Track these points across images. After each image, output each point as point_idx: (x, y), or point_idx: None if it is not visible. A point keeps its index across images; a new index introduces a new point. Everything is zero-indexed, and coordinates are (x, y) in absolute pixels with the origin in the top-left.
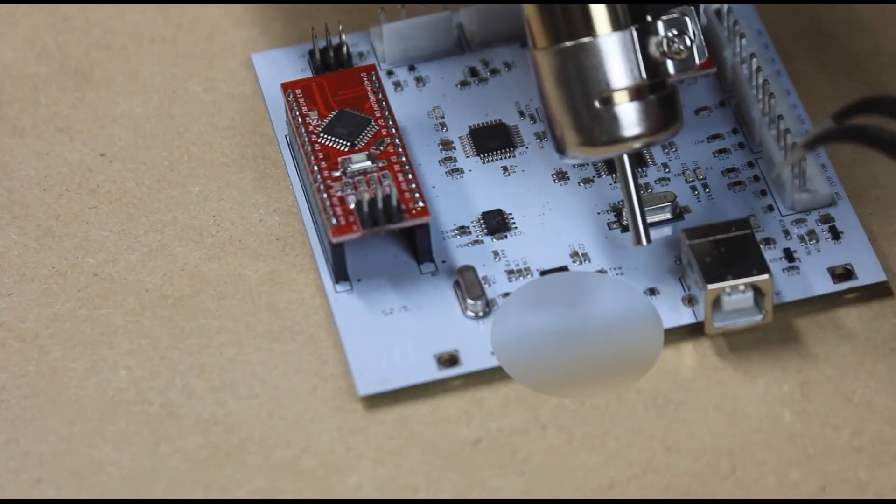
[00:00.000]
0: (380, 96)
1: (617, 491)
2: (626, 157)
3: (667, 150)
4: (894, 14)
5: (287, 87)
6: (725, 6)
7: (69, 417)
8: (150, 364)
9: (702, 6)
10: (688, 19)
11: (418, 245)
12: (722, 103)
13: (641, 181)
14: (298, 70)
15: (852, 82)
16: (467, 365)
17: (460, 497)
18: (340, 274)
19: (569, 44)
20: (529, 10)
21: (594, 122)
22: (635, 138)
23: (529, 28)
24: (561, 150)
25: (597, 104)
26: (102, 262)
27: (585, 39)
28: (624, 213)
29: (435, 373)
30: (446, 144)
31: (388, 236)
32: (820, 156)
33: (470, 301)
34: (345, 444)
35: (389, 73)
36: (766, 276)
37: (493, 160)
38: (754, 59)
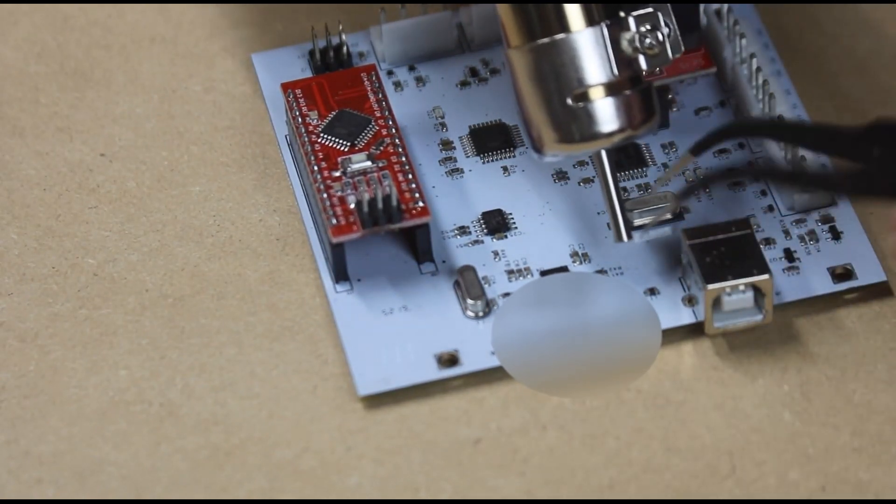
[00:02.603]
0: (380, 96)
1: (617, 491)
2: (604, 154)
3: (667, 151)
4: (894, 14)
5: (287, 87)
6: (725, 6)
7: (69, 417)
8: (150, 364)
9: (702, 6)
10: (660, 14)
11: (418, 245)
12: (722, 103)
13: (641, 181)
14: (298, 70)
15: (852, 82)
16: (467, 365)
17: (460, 497)
18: (340, 274)
19: (541, 41)
20: (502, 10)
21: (570, 119)
22: (612, 134)
23: (503, 27)
24: (538, 148)
25: (570, 101)
26: (102, 262)
27: (558, 36)
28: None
29: (435, 373)
30: (446, 144)
31: (388, 236)
32: (820, 156)
33: (470, 301)
34: (345, 444)
35: (389, 73)
36: (766, 276)
37: (493, 160)
38: (754, 59)
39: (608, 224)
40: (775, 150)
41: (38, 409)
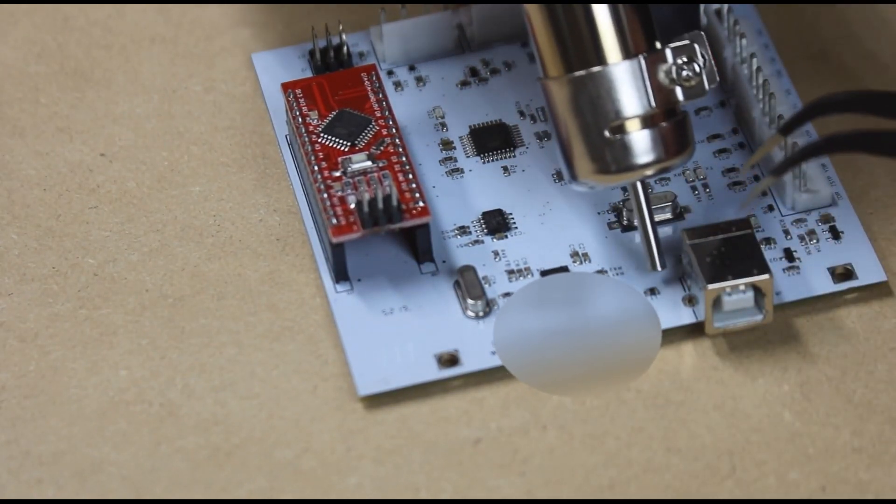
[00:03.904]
0: (380, 96)
1: (617, 491)
2: (639, 185)
3: None
4: (894, 14)
5: (287, 87)
6: (725, 6)
7: (69, 417)
8: (150, 364)
9: (702, 6)
10: (696, 46)
11: (418, 245)
12: (722, 103)
13: None
14: (298, 70)
15: (852, 82)
16: (467, 365)
17: (460, 497)
18: (340, 274)
19: (580, 73)
20: (541, 40)
21: (606, 151)
22: (647, 165)
23: (541, 57)
24: (574, 176)
25: (607, 133)
26: (102, 262)
27: (596, 68)
28: (638, 238)
29: (435, 373)
30: (446, 144)
31: (388, 236)
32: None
33: (470, 301)
34: (345, 444)
35: (389, 73)
36: (766, 276)
37: (493, 160)
38: (754, 59)
39: (608, 224)
40: (775, 151)
41: (38, 409)
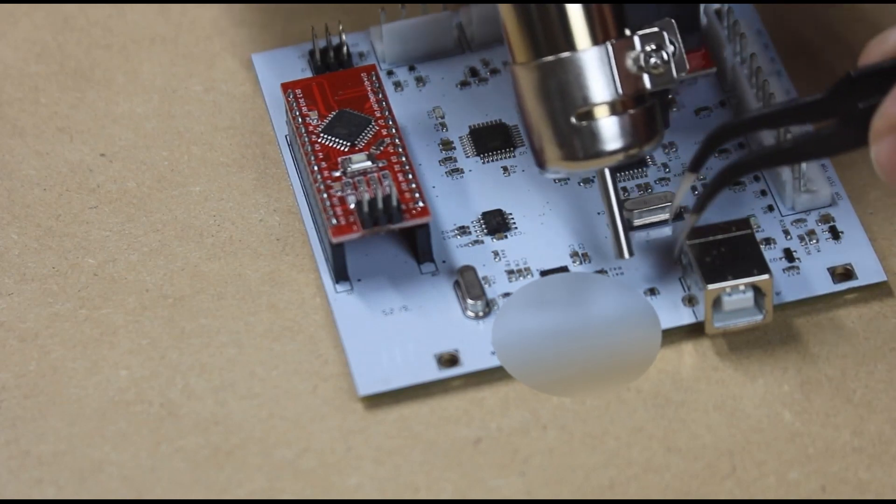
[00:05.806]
0: (380, 96)
1: (617, 491)
2: (606, 171)
3: (667, 150)
4: (894, 14)
5: (287, 87)
6: (725, 6)
7: (69, 417)
8: (150, 364)
9: (702, 6)
10: (665, 34)
11: (418, 245)
12: (722, 103)
13: (641, 181)
14: (298, 70)
15: None
16: (467, 365)
17: (460, 497)
18: (340, 274)
19: (548, 59)
20: (509, 25)
21: (574, 137)
22: (615, 152)
23: (509, 43)
24: (541, 164)
25: (574, 119)
26: (102, 262)
27: (564, 54)
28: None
29: (435, 373)
30: (446, 144)
31: (388, 236)
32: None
33: (470, 301)
34: (345, 444)
35: (389, 73)
36: (766, 276)
37: (493, 160)
38: (754, 59)
39: (609, 224)
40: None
41: (38, 409)
